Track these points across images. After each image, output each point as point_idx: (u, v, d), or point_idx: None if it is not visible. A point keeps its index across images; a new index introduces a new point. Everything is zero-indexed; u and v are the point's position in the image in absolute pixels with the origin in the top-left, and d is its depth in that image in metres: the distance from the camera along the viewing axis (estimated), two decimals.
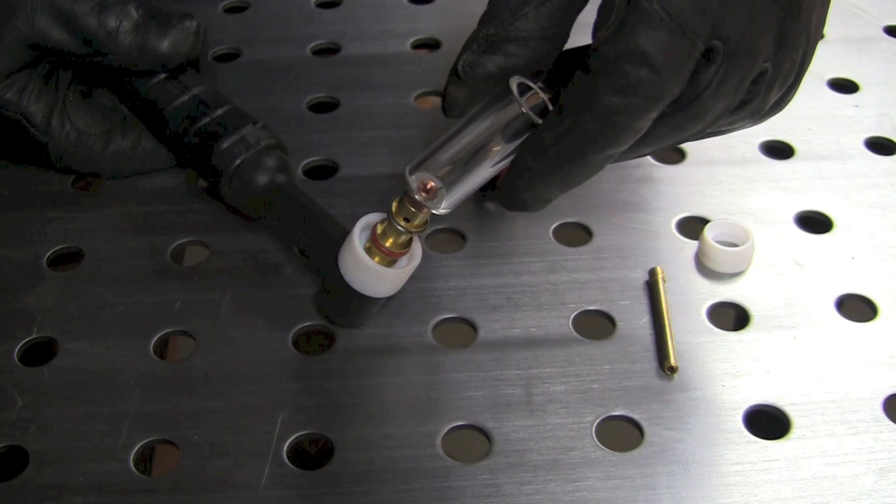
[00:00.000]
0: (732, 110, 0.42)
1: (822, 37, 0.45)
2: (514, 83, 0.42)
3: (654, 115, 0.40)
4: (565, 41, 0.44)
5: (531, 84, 0.42)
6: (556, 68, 0.44)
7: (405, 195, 0.43)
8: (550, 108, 0.42)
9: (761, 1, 0.40)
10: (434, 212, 0.44)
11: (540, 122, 0.41)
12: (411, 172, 0.43)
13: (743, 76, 0.41)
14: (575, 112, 0.40)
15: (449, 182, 0.43)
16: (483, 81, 0.43)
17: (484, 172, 0.43)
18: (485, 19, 0.43)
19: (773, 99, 0.43)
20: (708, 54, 0.39)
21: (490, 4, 0.43)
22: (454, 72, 0.44)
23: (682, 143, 0.45)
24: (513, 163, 0.43)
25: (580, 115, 0.40)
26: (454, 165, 0.43)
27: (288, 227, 0.52)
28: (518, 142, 0.43)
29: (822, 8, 0.44)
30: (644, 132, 0.40)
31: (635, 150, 0.42)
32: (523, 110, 0.42)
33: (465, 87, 0.44)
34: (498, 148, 0.43)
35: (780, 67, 0.42)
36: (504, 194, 0.44)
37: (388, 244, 0.45)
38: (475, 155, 0.43)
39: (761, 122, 0.45)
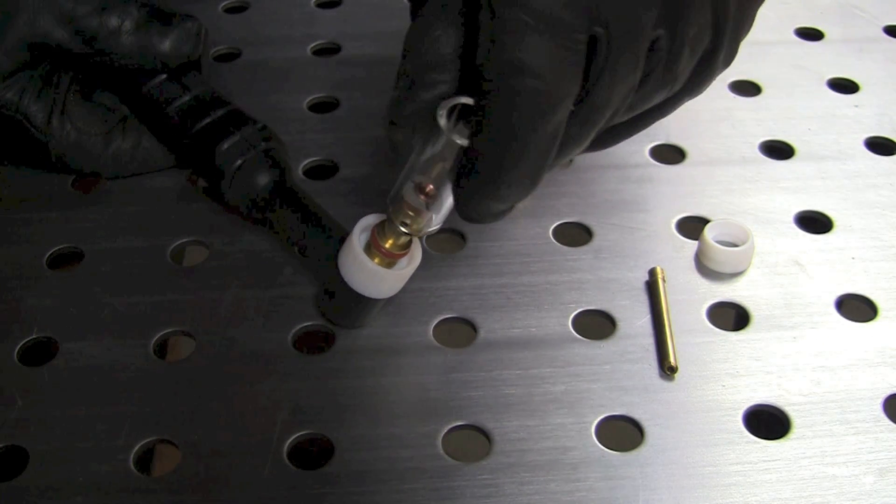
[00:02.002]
0: (639, 87, 0.41)
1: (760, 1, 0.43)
2: (443, 110, 0.41)
3: (558, 119, 0.39)
4: None
5: (467, 100, 0.41)
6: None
7: (403, 199, 0.43)
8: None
9: None
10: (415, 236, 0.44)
11: (466, 143, 0.41)
12: (395, 193, 0.43)
13: (634, 53, 0.39)
14: (483, 134, 0.39)
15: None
16: (415, 119, 0.42)
17: (449, 196, 0.43)
18: (404, 53, 0.42)
19: (682, 67, 0.41)
20: (592, 42, 0.38)
21: (406, 38, 0.42)
22: (389, 115, 0.43)
23: (610, 141, 0.44)
24: (455, 183, 0.42)
25: (488, 137, 0.39)
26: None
27: (288, 228, 0.52)
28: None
29: None
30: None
31: (560, 156, 0.41)
32: (452, 138, 0.41)
33: (402, 129, 0.43)
34: (450, 172, 0.42)
35: (680, 32, 0.40)
36: (457, 210, 0.43)
37: (387, 245, 0.45)
38: (437, 182, 0.42)
39: (692, 95, 0.44)
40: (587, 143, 0.42)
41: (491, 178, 0.40)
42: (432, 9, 0.42)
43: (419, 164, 0.43)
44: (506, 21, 0.37)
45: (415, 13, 0.43)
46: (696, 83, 0.43)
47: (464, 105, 0.42)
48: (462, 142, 0.41)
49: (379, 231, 0.45)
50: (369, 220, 0.46)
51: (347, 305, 0.48)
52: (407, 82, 0.42)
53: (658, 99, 0.43)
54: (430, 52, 0.41)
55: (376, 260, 0.45)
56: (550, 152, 0.40)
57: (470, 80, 0.42)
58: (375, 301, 0.47)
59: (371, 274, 0.46)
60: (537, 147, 0.39)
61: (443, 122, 0.41)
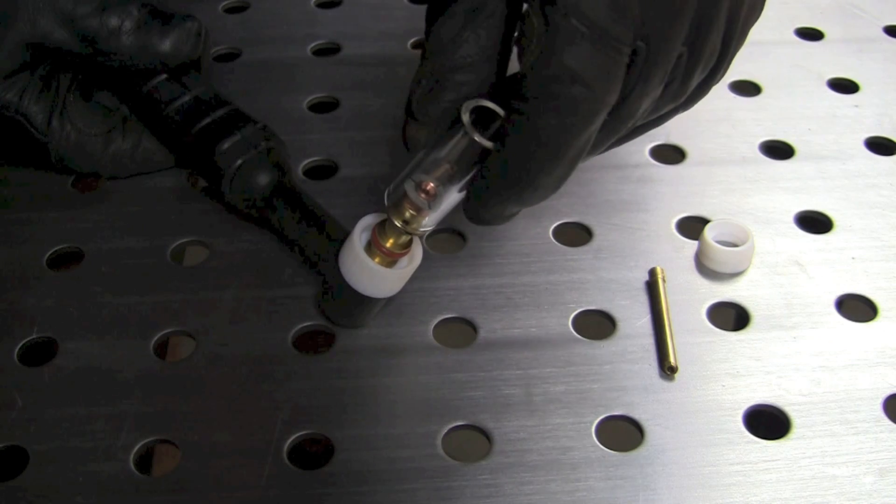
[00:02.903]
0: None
1: (757, 16, 0.44)
2: (466, 112, 0.42)
3: (595, 128, 0.40)
4: (510, 56, 0.44)
5: (488, 104, 0.43)
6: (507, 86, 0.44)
7: (404, 198, 0.43)
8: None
9: None
10: (414, 234, 0.44)
11: (491, 146, 0.42)
12: (395, 188, 0.44)
13: (665, 68, 0.40)
14: (517, 139, 0.40)
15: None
16: (439, 118, 0.43)
17: (452, 196, 0.44)
18: (427, 53, 0.43)
19: (693, 83, 0.43)
20: (632, 56, 0.39)
21: (429, 37, 0.43)
22: (409, 112, 0.44)
23: (616, 145, 0.45)
24: (470, 185, 0.43)
25: (523, 142, 0.40)
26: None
27: (288, 228, 0.52)
28: (478, 165, 0.43)
29: None
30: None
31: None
32: (476, 139, 0.42)
33: (423, 127, 0.44)
34: (459, 173, 0.43)
35: (699, 52, 0.41)
36: (467, 212, 0.44)
37: (388, 245, 0.45)
38: (440, 181, 0.43)
39: (686, 108, 0.45)
40: (605, 149, 0.43)
41: (518, 181, 0.41)
42: (460, 10, 0.43)
43: (424, 162, 0.43)
44: (559, 29, 0.38)
45: (431, 14, 0.44)
46: (695, 97, 0.45)
47: (482, 108, 0.43)
48: (487, 144, 0.42)
49: (380, 230, 0.45)
50: (370, 219, 0.46)
51: (348, 305, 0.48)
52: (431, 81, 0.43)
53: (666, 110, 0.44)
54: (459, 54, 0.42)
55: (377, 259, 0.45)
56: (581, 158, 0.41)
57: (496, 84, 0.44)
58: (376, 300, 0.47)
59: (372, 273, 0.46)
60: (573, 153, 0.40)
61: (467, 122, 0.42)
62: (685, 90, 0.43)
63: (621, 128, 0.42)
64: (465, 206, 0.44)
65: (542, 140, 0.40)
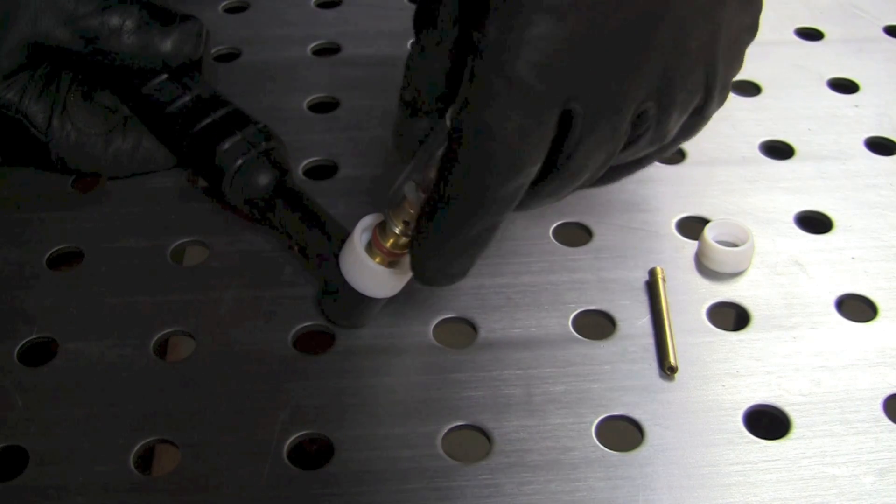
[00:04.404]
0: (628, 146, 0.41)
1: (752, 36, 0.43)
2: (450, 118, 0.41)
3: (517, 183, 0.39)
4: None
5: None
6: None
7: (404, 199, 0.43)
8: None
9: (626, 52, 0.38)
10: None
11: None
12: (395, 189, 0.44)
13: (613, 126, 0.39)
14: (444, 185, 0.39)
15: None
16: (415, 145, 0.43)
17: None
18: (404, 81, 0.43)
19: (673, 125, 0.41)
20: (567, 115, 0.38)
21: (406, 65, 0.43)
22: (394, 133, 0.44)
23: (608, 180, 0.44)
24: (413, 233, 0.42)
25: (450, 188, 0.39)
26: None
27: (288, 228, 0.52)
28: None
29: (739, 15, 0.41)
30: (522, 196, 0.40)
31: (534, 206, 0.42)
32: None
33: (403, 153, 0.44)
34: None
35: (670, 101, 0.40)
36: (413, 268, 0.43)
37: (388, 245, 0.45)
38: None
39: (687, 139, 0.44)
40: (564, 196, 0.42)
41: (449, 228, 0.40)
42: (432, 39, 0.42)
43: (422, 163, 0.43)
44: (482, 83, 0.37)
45: (418, 30, 0.43)
46: (687, 131, 0.43)
47: None
48: None
49: (380, 231, 0.45)
50: (370, 219, 0.46)
51: (349, 305, 0.48)
52: (407, 111, 0.43)
53: (650, 150, 0.43)
54: (430, 82, 0.42)
55: (378, 259, 0.45)
56: (505, 210, 0.40)
57: None
58: (376, 301, 0.47)
59: (373, 273, 0.46)
60: (494, 207, 0.39)
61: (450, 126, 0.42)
62: (662, 136, 0.41)
63: (573, 181, 0.40)
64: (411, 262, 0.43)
65: (464, 190, 0.39)
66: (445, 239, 0.40)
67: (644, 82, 0.39)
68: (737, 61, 0.43)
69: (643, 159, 0.44)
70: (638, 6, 0.37)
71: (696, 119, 0.43)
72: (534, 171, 0.39)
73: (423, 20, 0.43)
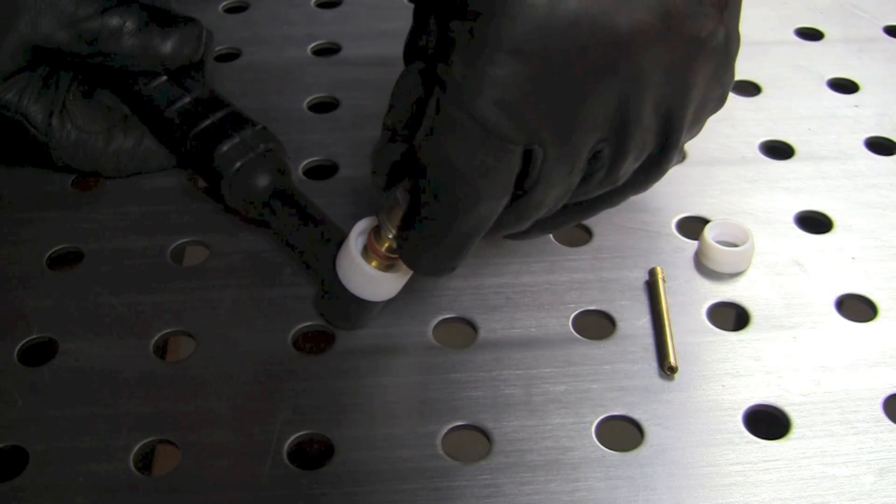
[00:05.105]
0: (582, 184, 0.42)
1: (718, 106, 0.44)
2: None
3: (478, 214, 0.40)
4: None
5: None
6: None
7: (397, 203, 0.43)
8: None
9: (585, 95, 0.38)
10: None
11: None
12: (389, 193, 0.44)
13: (571, 165, 0.40)
14: (414, 211, 0.41)
15: None
16: (392, 168, 0.44)
17: None
18: (388, 107, 0.44)
19: (626, 170, 0.42)
20: (528, 154, 0.39)
21: (392, 90, 0.44)
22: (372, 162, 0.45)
23: (556, 227, 0.46)
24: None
25: (419, 214, 0.41)
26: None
27: (286, 230, 0.52)
28: None
29: (710, 83, 0.42)
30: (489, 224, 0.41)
31: (499, 235, 0.43)
32: None
33: (380, 176, 0.45)
34: None
35: (623, 148, 0.41)
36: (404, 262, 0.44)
37: (384, 248, 0.45)
38: None
39: (640, 190, 0.45)
40: (524, 227, 0.43)
41: (424, 246, 0.42)
42: (414, 67, 0.43)
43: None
44: (445, 118, 0.38)
45: (406, 60, 0.44)
46: (641, 182, 0.44)
47: None
48: None
49: (375, 235, 0.45)
50: (365, 223, 0.46)
51: (346, 308, 0.48)
52: (387, 135, 0.44)
53: (601, 191, 0.44)
54: (408, 108, 0.43)
55: (374, 263, 0.45)
56: (475, 234, 0.41)
57: None
58: (374, 304, 0.47)
59: (369, 278, 0.46)
60: (462, 235, 0.41)
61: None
62: (613, 179, 0.42)
63: (532, 214, 0.42)
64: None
65: (430, 217, 0.40)
66: (427, 247, 0.42)
67: (601, 124, 0.40)
68: (697, 126, 0.44)
69: (595, 202, 0.45)
70: (599, 56, 0.38)
71: (651, 168, 0.44)
72: (494, 204, 0.40)
73: (411, 52, 0.44)
